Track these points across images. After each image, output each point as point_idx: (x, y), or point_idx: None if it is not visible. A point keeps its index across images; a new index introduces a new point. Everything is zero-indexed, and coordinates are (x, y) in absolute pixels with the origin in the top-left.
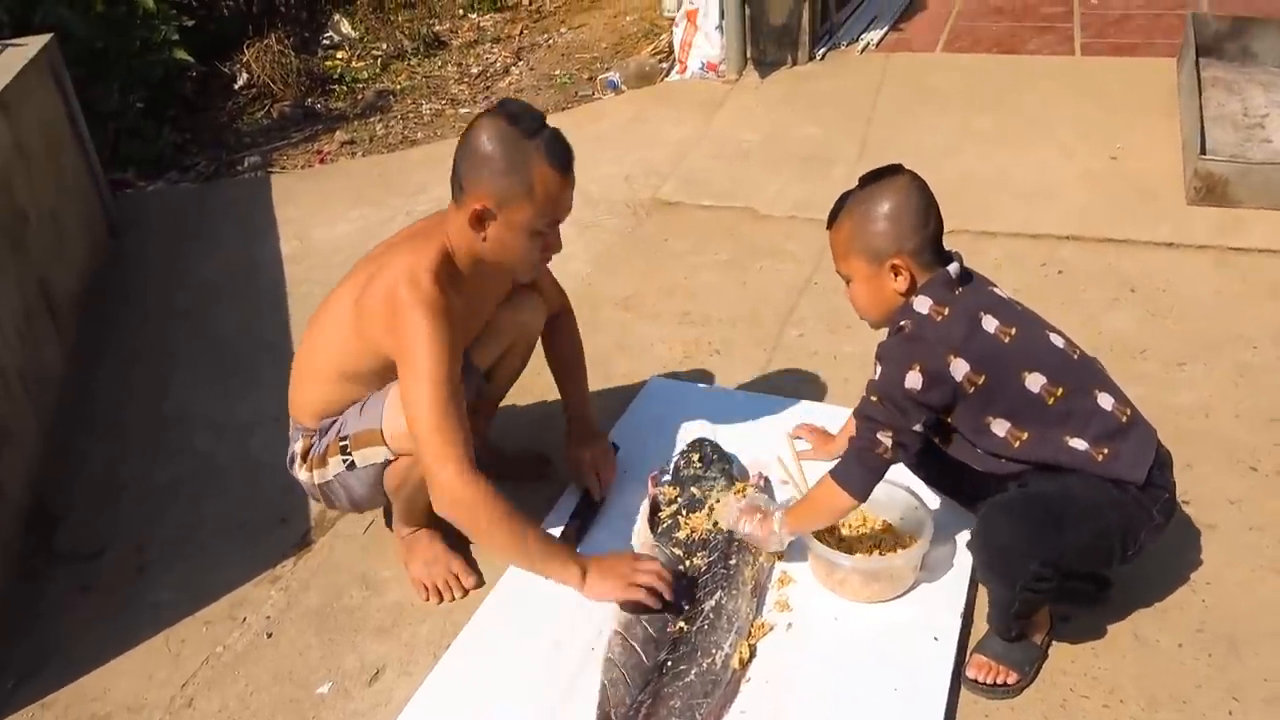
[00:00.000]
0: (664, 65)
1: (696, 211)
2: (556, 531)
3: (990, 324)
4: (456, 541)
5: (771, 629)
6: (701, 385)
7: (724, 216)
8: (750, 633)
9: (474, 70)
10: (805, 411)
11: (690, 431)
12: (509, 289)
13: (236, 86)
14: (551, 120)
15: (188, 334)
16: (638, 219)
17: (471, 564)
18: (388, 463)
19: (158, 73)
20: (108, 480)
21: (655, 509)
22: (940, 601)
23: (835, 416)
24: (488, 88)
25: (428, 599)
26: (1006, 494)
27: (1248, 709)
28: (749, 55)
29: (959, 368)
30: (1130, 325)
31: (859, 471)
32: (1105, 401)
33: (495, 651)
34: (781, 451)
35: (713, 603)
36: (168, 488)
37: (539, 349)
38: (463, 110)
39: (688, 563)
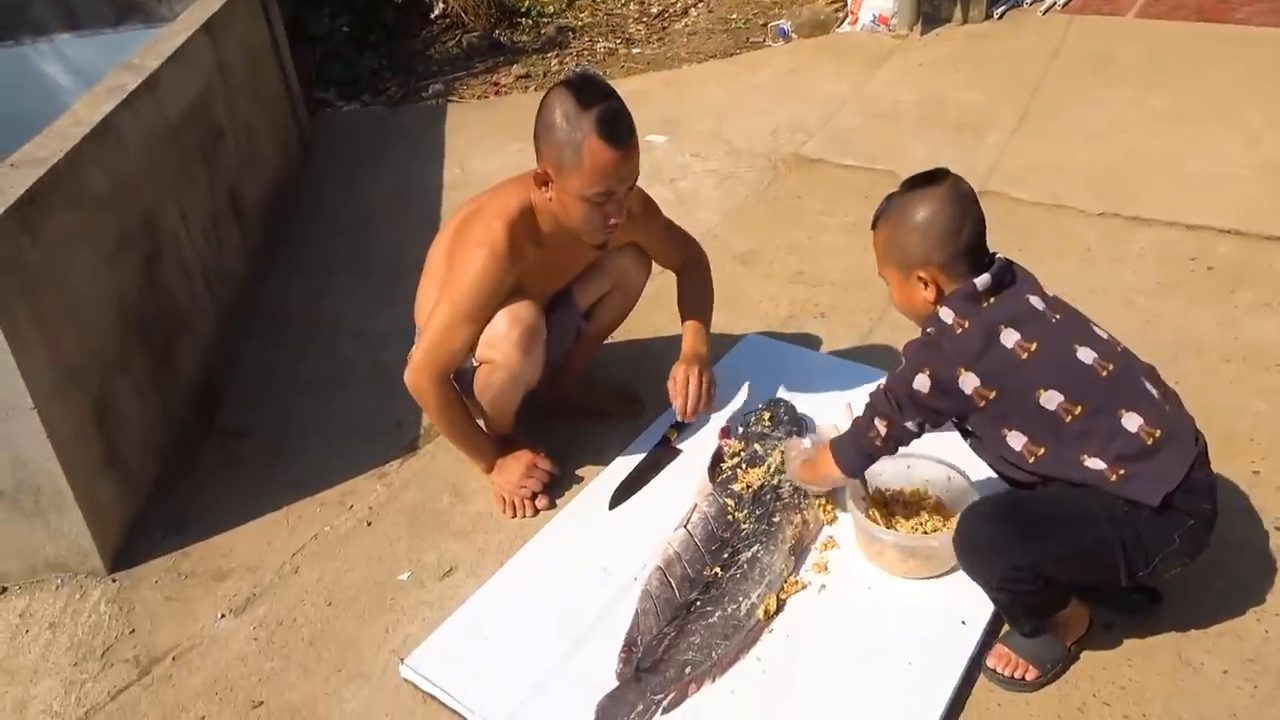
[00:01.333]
0: (839, 14)
1: (836, 170)
2: (632, 460)
3: (1009, 338)
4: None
5: (805, 587)
6: (796, 347)
7: (862, 178)
8: (782, 587)
9: (654, 10)
10: None
11: (775, 391)
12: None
13: (432, 16)
14: (711, 68)
15: (351, 247)
16: (776, 174)
17: (548, 489)
18: (475, 369)
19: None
20: (264, 372)
21: (719, 460)
22: (976, 588)
23: None
24: (664, 28)
25: (504, 511)
26: (995, 495)
27: None
28: (922, 9)
29: (969, 381)
30: (1273, 334)
31: (851, 449)
32: (1131, 422)
33: (551, 568)
34: (840, 421)
35: (749, 554)
36: (310, 384)
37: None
38: (635, 50)
39: (737, 514)
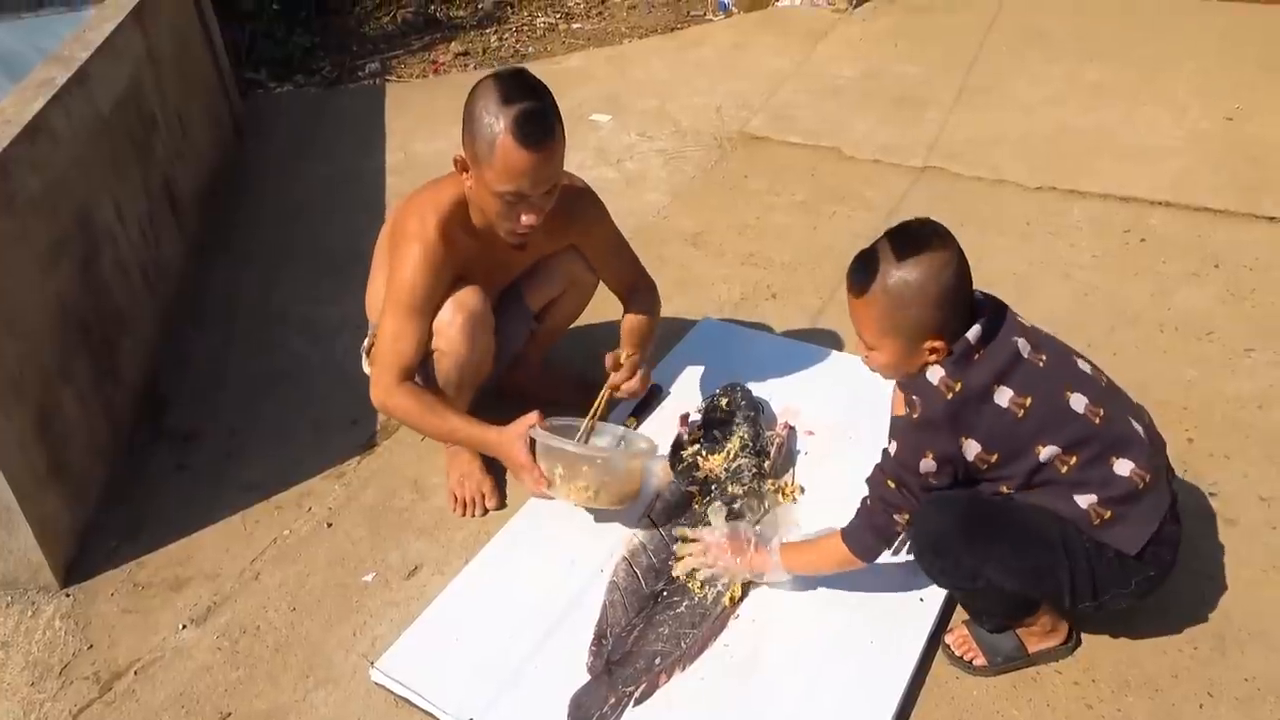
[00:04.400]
0: None
1: (781, 148)
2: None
3: (1004, 397)
4: (492, 465)
5: None
6: (751, 330)
7: (807, 155)
8: None
9: None
10: (845, 365)
11: (730, 375)
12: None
13: None
14: (653, 44)
15: (294, 237)
16: (723, 152)
17: (499, 487)
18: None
19: None
20: (211, 370)
21: (679, 447)
22: None
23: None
24: (602, 1)
25: (454, 509)
26: (961, 492)
27: (1218, 704)
28: None
29: (970, 449)
30: (1203, 304)
31: (871, 539)
32: (1123, 468)
33: (518, 561)
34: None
35: None
36: (261, 381)
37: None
38: (575, 25)
39: (700, 501)
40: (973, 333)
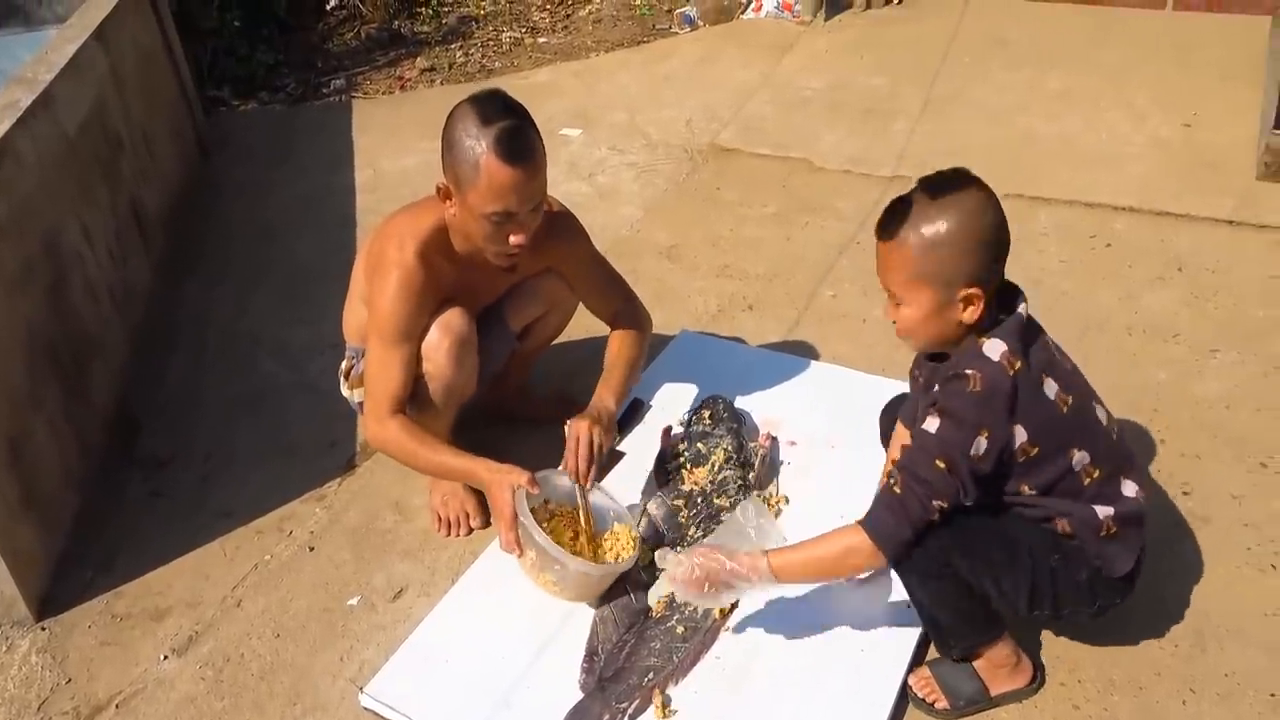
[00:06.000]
0: (743, 1)
1: (752, 160)
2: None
3: (1051, 389)
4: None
5: None
6: (729, 342)
7: (778, 167)
8: None
9: None
10: (825, 375)
11: (711, 387)
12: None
13: (329, 7)
14: (621, 57)
15: (264, 257)
16: (694, 165)
17: (483, 506)
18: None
19: None
20: (184, 393)
21: (664, 461)
22: None
23: (851, 382)
24: (568, 15)
25: (438, 530)
26: None
27: (1201, 700)
28: None
29: (1019, 435)
30: (1169, 306)
31: (905, 530)
32: (1129, 488)
33: (505, 580)
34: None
35: None
36: (236, 404)
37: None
38: (541, 39)
39: (685, 515)
40: (1023, 308)
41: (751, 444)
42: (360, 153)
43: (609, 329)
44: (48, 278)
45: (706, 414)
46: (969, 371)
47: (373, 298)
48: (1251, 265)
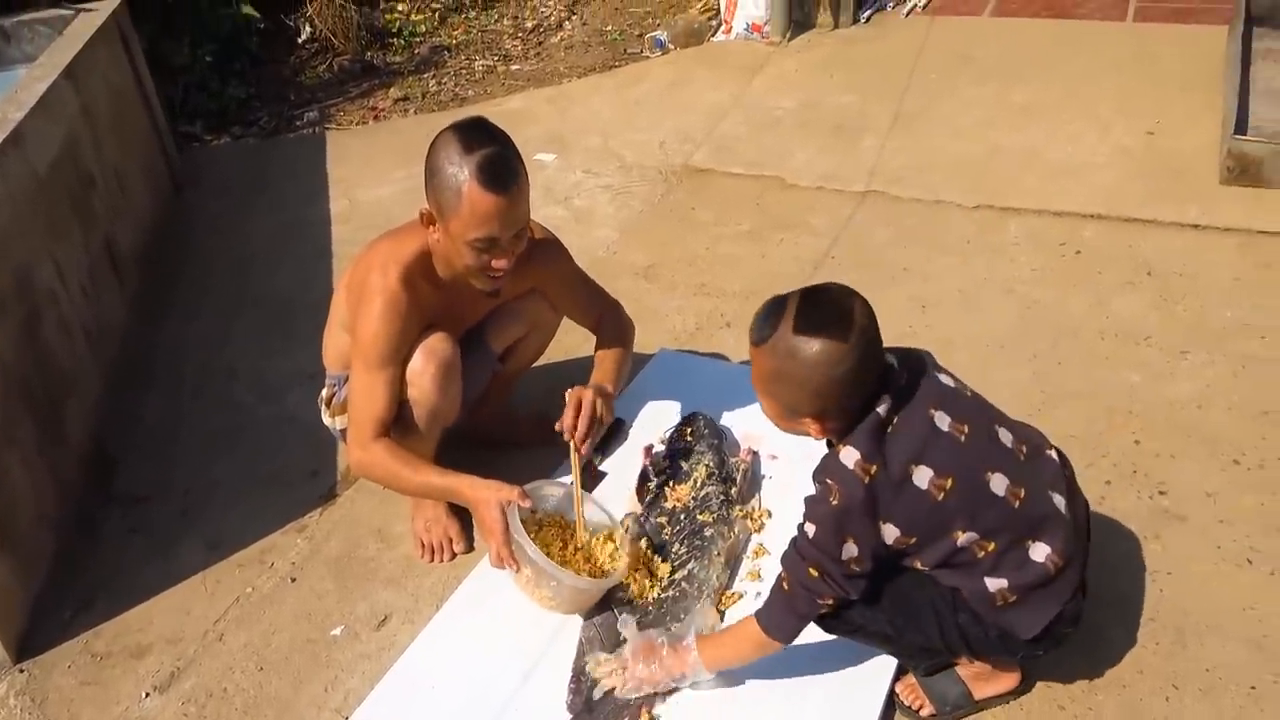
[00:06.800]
0: (713, 24)
1: (725, 179)
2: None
3: (923, 477)
4: (457, 508)
5: (741, 597)
6: (707, 359)
7: (751, 186)
8: (720, 600)
9: (529, 24)
10: None
11: (691, 404)
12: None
13: (300, 40)
14: (593, 82)
15: (241, 291)
16: (668, 185)
17: (466, 530)
18: None
19: (226, 27)
20: (161, 429)
21: (645, 479)
22: None
23: None
24: (540, 43)
25: (422, 556)
26: None
27: (1184, 697)
28: (793, 16)
29: (890, 532)
30: (1139, 310)
31: (793, 623)
32: (1039, 552)
33: (490, 604)
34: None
35: (685, 572)
36: (214, 438)
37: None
38: (514, 67)
39: (669, 532)
40: (883, 407)
41: (733, 459)
42: (335, 184)
43: (595, 336)
44: (20, 314)
45: (688, 431)
46: (829, 481)
47: (356, 323)
48: (1218, 268)
